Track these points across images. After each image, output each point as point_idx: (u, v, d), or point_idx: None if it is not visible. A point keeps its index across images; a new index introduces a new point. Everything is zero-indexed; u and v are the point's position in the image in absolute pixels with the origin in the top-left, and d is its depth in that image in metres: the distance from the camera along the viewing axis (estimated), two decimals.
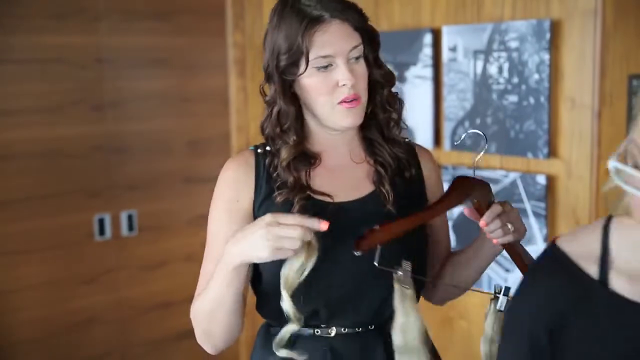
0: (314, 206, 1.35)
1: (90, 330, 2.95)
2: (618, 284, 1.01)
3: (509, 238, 1.35)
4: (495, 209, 1.33)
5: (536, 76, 2.24)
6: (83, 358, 2.96)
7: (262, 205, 1.38)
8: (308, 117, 1.40)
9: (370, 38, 1.37)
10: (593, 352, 1.02)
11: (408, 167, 1.44)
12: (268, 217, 1.22)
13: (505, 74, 2.33)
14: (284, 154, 1.38)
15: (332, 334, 1.37)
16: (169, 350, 3.12)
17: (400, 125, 1.45)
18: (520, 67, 2.28)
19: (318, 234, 1.25)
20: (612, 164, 0.95)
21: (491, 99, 2.37)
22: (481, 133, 1.48)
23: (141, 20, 3.01)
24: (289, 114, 1.36)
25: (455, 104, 2.47)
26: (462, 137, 1.60)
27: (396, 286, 1.28)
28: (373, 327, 1.39)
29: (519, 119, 2.30)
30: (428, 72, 2.54)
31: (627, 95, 2.23)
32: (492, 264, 2.40)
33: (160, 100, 3.05)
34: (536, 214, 2.27)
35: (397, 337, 1.29)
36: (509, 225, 1.33)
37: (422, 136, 2.57)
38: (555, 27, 2.21)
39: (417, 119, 2.59)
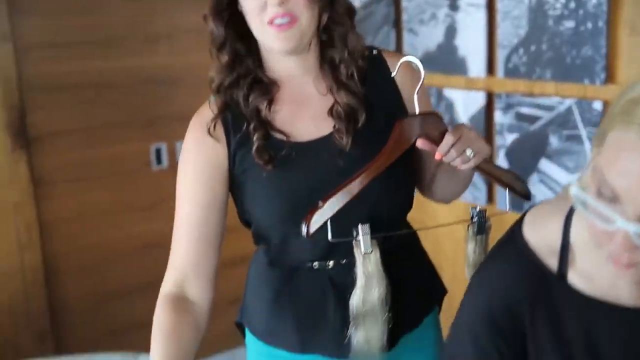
0: (272, 146, 1.27)
1: (147, 255, 2.97)
2: (576, 280, 0.98)
3: (470, 164, 1.24)
4: (448, 139, 1.21)
5: (594, 0, 2.13)
6: (140, 282, 2.99)
7: (237, 154, 1.30)
8: (259, 42, 1.30)
9: None
10: (549, 345, 0.99)
11: (360, 114, 1.30)
12: None
13: None
14: (213, 74, 1.30)
15: (331, 266, 1.33)
16: (220, 274, 3.14)
17: (351, 68, 1.30)
18: None
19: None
20: (574, 191, 0.87)
21: (547, 25, 2.26)
22: (418, 62, 1.28)
23: None
24: (219, 34, 1.28)
25: (510, 31, 2.36)
26: (397, 67, 1.32)
27: (356, 252, 1.23)
28: None
29: (575, 44, 2.19)
30: None
31: None
32: (545, 190, 2.34)
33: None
34: (591, 140, 2.20)
35: (355, 303, 1.24)
36: (468, 151, 1.22)
37: (475, 64, 2.48)
38: None
39: (470, 46, 2.49)
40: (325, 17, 1.29)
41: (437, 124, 1.26)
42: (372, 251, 1.23)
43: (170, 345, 1.25)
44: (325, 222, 1.22)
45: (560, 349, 0.99)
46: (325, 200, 1.21)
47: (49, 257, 2.77)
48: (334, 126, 1.29)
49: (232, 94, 1.30)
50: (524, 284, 1.00)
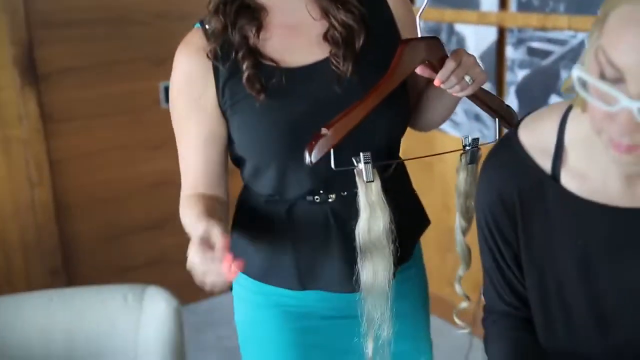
0: (263, 75, 1.22)
1: (156, 193, 2.99)
2: (569, 180, 0.99)
3: (468, 91, 1.21)
4: (449, 65, 1.18)
5: None
6: (149, 219, 3.02)
7: (226, 86, 1.25)
8: None
9: None
10: (542, 244, 1.02)
11: (360, 35, 1.26)
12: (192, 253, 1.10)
13: None
14: None
15: (332, 199, 1.29)
16: (232, 208, 3.16)
17: None
18: None
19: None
20: (576, 73, 0.85)
21: None
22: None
23: None
24: None
25: None
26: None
27: (358, 181, 1.20)
28: None
29: None
30: None
31: None
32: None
33: None
34: (591, 27, 2.14)
35: (361, 232, 1.21)
36: (467, 78, 1.19)
37: None
38: None
39: None
40: None
41: (439, 49, 1.21)
42: (374, 180, 1.20)
43: (201, 204, 1.26)
44: (327, 151, 1.18)
45: (549, 243, 1.01)
46: (329, 127, 1.17)
47: (59, 193, 2.79)
48: (330, 51, 1.25)
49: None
50: (517, 181, 1.01)
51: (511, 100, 2.41)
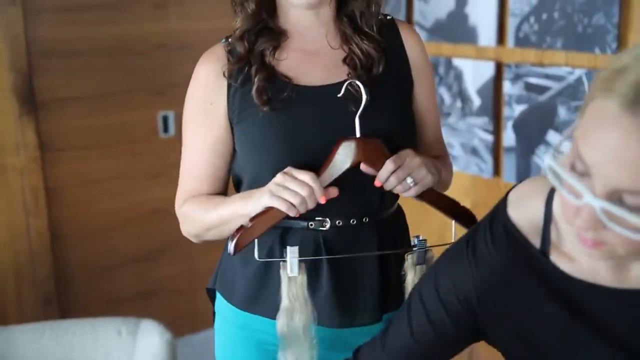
0: (273, 89, 1.29)
1: (152, 222, 3.00)
2: (558, 258, 0.97)
3: (411, 193, 1.26)
4: (388, 166, 1.23)
5: None
6: (145, 250, 3.03)
7: (236, 96, 1.32)
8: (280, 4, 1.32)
9: None
10: (530, 328, 0.99)
11: (380, 63, 1.33)
12: (281, 173, 1.22)
13: None
14: (239, 22, 1.32)
15: (327, 227, 1.31)
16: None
17: (376, 17, 1.35)
18: None
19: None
20: (548, 163, 0.84)
21: None
22: (360, 85, 1.27)
23: None
24: None
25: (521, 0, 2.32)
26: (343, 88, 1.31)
27: (282, 273, 1.28)
28: (367, 219, 1.34)
29: (587, 12, 2.15)
30: None
31: None
32: None
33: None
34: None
35: (280, 324, 1.28)
36: (409, 180, 1.25)
37: (485, 33, 2.45)
38: None
39: (480, 14, 2.46)
40: None
41: (377, 149, 1.26)
42: (298, 275, 1.25)
43: (220, 197, 1.35)
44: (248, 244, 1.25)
45: (538, 324, 0.99)
46: (251, 220, 1.24)
47: (54, 222, 2.79)
48: (348, 74, 1.31)
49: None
50: (508, 261, 0.99)
51: (509, 135, 2.43)
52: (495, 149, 2.51)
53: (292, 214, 1.21)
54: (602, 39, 2.13)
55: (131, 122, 2.90)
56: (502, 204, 1.02)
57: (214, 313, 1.48)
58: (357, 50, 1.32)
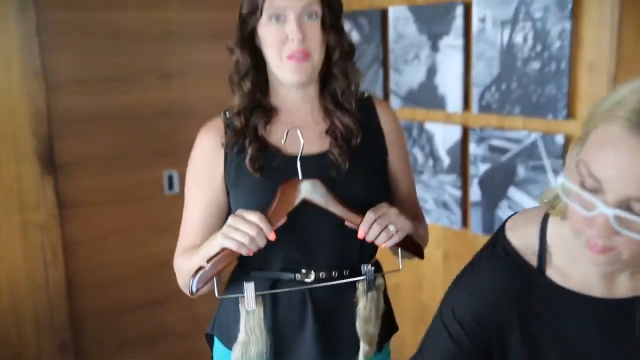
0: (265, 159, 1.34)
1: (160, 273, 3.06)
2: (554, 274, 1.05)
3: (394, 240, 1.30)
4: (369, 216, 1.28)
5: (558, 44, 2.25)
6: (153, 297, 3.10)
7: (232, 163, 1.37)
8: (270, 72, 1.37)
9: (330, 5, 1.34)
10: (533, 338, 1.05)
11: (358, 135, 1.39)
12: (232, 216, 1.26)
13: (530, 42, 2.34)
14: (237, 100, 1.37)
15: (311, 279, 1.35)
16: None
17: (354, 94, 1.41)
18: (543, 36, 2.29)
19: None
20: (561, 180, 0.94)
21: (516, 66, 2.39)
22: (299, 134, 1.33)
23: None
24: (244, 61, 1.35)
25: (484, 71, 2.49)
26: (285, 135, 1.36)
27: (241, 307, 1.31)
28: (347, 272, 1.37)
29: (541, 83, 2.31)
30: (459, 41, 2.57)
31: None
32: None
33: (223, 70, 3.10)
34: (554, 171, 2.31)
35: (235, 356, 1.33)
36: (391, 227, 1.28)
37: (453, 101, 2.61)
38: None
39: (448, 85, 2.62)
40: (337, 55, 1.36)
41: (320, 188, 1.30)
42: (255, 309, 1.27)
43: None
44: (207, 282, 1.28)
45: (538, 335, 1.05)
46: (208, 261, 1.27)
47: (71, 273, 2.88)
48: (330, 144, 1.37)
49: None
50: (510, 278, 1.06)
51: (475, 191, 2.56)
52: (463, 204, 2.62)
53: (243, 252, 1.23)
54: (554, 106, 2.28)
55: (139, 181, 3.02)
56: (501, 231, 1.10)
57: (212, 357, 1.50)
58: (339, 124, 1.37)
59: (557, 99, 2.28)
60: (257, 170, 1.34)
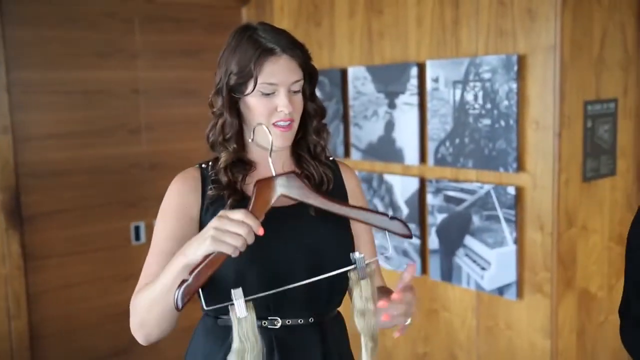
0: (242, 206, 1.29)
1: (125, 322, 2.89)
2: None
3: (400, 320, 1.27)
4: (400, 308, 1.25)
5: (506, 102, 2.33)
6: (124, 344, 3.04)
7: (209, 209, 1.36)
8: (246, 132, 1.40)
9: (311, 75, 1.40)
10: None
11: (331, 182, 1.44)
12: (216, 218, 1.17)
13: (480, 100, 2.42)
14: (224, 157, 1.38)
15: (278, 326, 1.33)
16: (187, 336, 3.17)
17: (326, 151, 1.46)
18: (492, 95, 2.37)
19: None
20: None
21: (468, 122, 2.46)
22: (265, 128, 1.33)
23: (172, 57, 3.13)
24: (232, 125, 1.37)
25: (438, 127, 2.56)
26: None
27: (232, 316, 1.19)
28: (313, 320, 1.36)
29: (491, 138, 2.39)
30: (414, 99, 2.63)
31: (582, 118, 2.33)
32: (470, 262, 2.48)
33: (189, 125, 3.15)
34: (507, 220, 2.36)
35: None
36: (408, 321, 1.28)
37: (410, 154, 2.67)
38: (522, 61, 2.31)
39: (405, 139, 2.69)
40: (314, 119, 1.41)
41: (295, 181, 1.28)
42: (247, 315, 1.19)
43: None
44: (191, 296, 1.18)
45: None
46: (190, 273, 1.18)
47: (34, 324, 2.81)
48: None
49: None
50: None
51: (433, 239, 2.60)
52: (423, 251, 2.66)
53: (235, 255, 1.16)
54: (505, 160, 2.35)
55: (106, 232, 2.98)
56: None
57: None
58: (314, 172, 1.41)
59: (507, 153, 2.35)
60: None
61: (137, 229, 3.06)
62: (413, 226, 2.66)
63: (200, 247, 1.16)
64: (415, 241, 2.66)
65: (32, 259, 2.79)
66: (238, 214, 1.16)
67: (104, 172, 2.96)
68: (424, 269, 2.66)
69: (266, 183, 1.25)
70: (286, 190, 1.26)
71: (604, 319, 2.52)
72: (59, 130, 2.84)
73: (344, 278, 1.39)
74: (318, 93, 1.49)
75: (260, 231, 1.18)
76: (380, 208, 2.78)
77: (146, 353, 3.06)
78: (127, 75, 3.01)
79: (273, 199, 1.24)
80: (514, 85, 2.29)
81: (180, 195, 1.38)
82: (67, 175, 2.86)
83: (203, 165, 1.43)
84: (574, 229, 2.34)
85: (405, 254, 2.70)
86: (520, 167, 2.34)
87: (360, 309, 1.26)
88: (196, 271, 1.16)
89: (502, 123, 2.35)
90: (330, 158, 1.51)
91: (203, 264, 1.16)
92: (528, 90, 2.30)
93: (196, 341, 1.43)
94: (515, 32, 2.32)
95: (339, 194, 1.46)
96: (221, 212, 1.18)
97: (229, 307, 1.19)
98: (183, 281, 1.17)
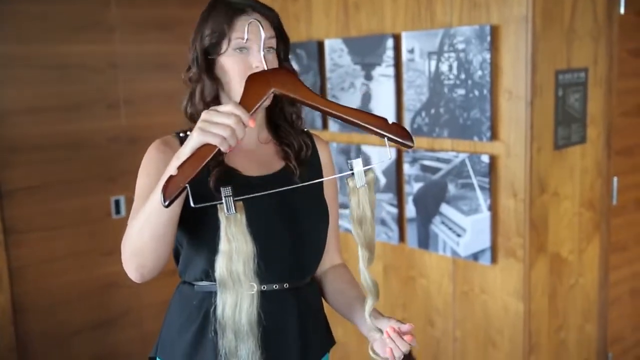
0: (227, 176, 1.28)
1: (111, 293, 3.01)
2: None
3: (398, 354, 1.23)
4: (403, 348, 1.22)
5: (479, 73, 2.32)
6: (101, 319, 3.02)
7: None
8: (223, 100, 1.34)
9: (283, 38, 1.37)
10: None
11: (308, 150, 1.43)
12: (205, 111, 1.10)
13: (455, 71, 2.40)
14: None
15: (254, 291, 1.22)
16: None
17: (302, 120, 1.44)
18: (466, 65, 2.36)
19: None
20: None
21: (443, 93, 2.44)
22: (260, 22, 1.28)
23: (149, 30, 3.07)
24: (211, 90, 1.32)
25: (414, 98, 2.54)
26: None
27: (220, 215, 1.10)
28: (287, 285, 1.33)
29: (466, 108, 2.38)
30: (390, 71, 2.61)
31: (554, 87, 2.32)
32: (445, 229, 2.48)
33: (167, 99, 3.09)
34: (481, 187, 2.35)
35: (219, 267, 1.12)
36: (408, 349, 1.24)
37: None
38: (495, 32, 2.29)
39: (382, 110, 2.66)
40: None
41: (288, 76, 1.21)
42: (236, 213, 1.10)
43: None
44: (180, 192, 1.08)
45: None
46: (180, 167, 1.08)
47: (17, 297, 2.78)
48: (286, 159, 1.38)
49: None
50: None
51: (410, 208, 2.60)
52: (400, 220, 2.65)
53: (224, 148, 1.08)
54: (479, 129, 2.34)
55: (87, 206, 2.94)
56: None
57: None
58: (293, 141, 1.39)
59: (481, 123, 2.34)
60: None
61: (117, 202, 3.01)
62: (391, 195, 2.66)
63: (188, 143, 1.10)
64: (393, 210, 2.65)
65: (13, 232, 2.74)
66: (227, 107, 1.09)
67: (83, 147, 2.91)
68: (402, 237, 2.66)
69: (259, 77, 1.18)
70: (280, 85, 1.17)
71: (575, 281, 2.54)
72: (37, 104, 2.78)
73: (321, 246, 1.42)
74: (295, 66, 1.46)
75: (251, 123, 1.10)
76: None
77: (127, 325, 3.08)
78: (104, 49, 2.94)
79: (266, 95, 1.16)
80: (488, 56, 2.27)
81: (160, 152, 1.32)
82: (46, 150, 2.81)
83: (181, 135, 1.38)
84: (545, 196, 2.35)
85: (383, 223, 2.70)
86: (494, 136, 2.33)
87: (357, 217, 1.19)
88: (184, 165, 1.07)
89: (476, 93, 2.33)
90: (305, 130, 1.48)
91: (192, 158, 1.08)
92: (501, 61, 2.29)
93: (172, 310, 1.39)
94: (489, 3, 2.29)
95: (314, 163, 1.45)
96: (211, 108, 1.11)
97: (218, 206, 1.10)
98: (170, 177, 1.08)
